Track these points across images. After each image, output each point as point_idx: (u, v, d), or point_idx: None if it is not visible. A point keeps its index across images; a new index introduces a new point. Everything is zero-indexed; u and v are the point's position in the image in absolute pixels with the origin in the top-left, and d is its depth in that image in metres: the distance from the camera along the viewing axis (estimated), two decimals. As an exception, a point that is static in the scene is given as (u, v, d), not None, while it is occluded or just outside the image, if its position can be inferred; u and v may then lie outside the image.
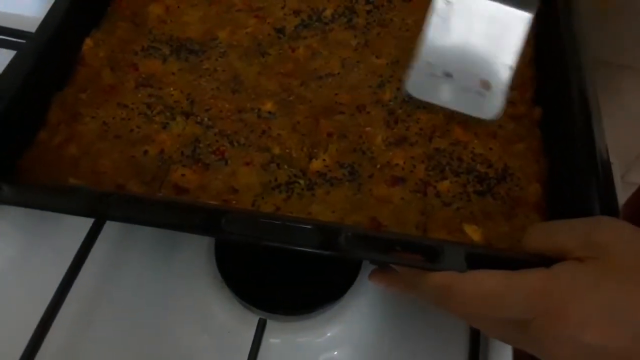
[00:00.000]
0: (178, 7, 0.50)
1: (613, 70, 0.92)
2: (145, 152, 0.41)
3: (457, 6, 0.39)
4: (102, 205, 0.34)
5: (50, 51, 0.43)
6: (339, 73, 0.46)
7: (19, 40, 0.54)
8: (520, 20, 0.39)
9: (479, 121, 0.44)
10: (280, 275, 0.42)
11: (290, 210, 0.38)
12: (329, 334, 0.43)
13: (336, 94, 0.45)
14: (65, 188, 0.36)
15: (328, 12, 0.50)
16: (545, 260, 0.30)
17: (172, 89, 0.45)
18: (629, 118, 0.94)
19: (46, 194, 0.35)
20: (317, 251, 0.33)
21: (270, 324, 0.41)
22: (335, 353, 0.42)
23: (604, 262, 0.28)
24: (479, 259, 0.31)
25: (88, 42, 0.46)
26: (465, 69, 0.40)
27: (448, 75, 0.40)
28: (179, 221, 0.34)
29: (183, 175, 0.40)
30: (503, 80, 0.40)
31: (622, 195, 0.75)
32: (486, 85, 0.40)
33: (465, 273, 0.30)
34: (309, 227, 0.33)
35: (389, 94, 0.45)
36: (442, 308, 0.32)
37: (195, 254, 0.44)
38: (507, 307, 0.29)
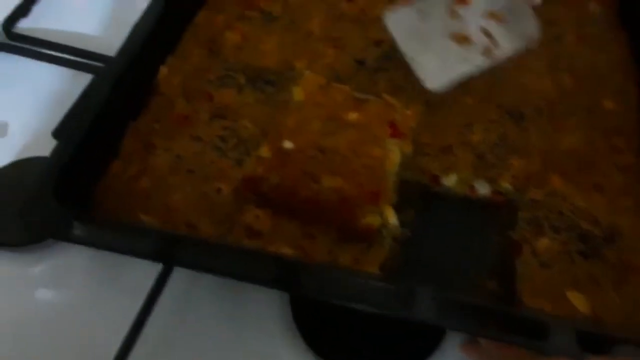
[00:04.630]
0: (254, 34, 0.48)
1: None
2: (219, 190, 0.39)
3: None
4: (170, 251, 0.32)
5: (128, 78, 0.42)
6: (423, 110, 0.43)
7: (92, 63, 0.53)
8: None
9: (579, 170, 0.40)
10: (361, 335, 0.39)
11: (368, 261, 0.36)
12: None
13: (419, 133, 0.42)
14: (135, 230, 0.34)
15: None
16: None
17: (247, 121, 0.43)
18: None
19: (116, 236, 0.34)
20: (394, 314, 0.30)
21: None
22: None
23: None
24: (593, 339, 0.27)
25: (163, 69, 0.45)
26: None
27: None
28: (248, 273, 0.31)
29: (257, 216, 0.37)
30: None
31: None
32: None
33: None
34: (390, 287, 0.30)
35: (479, 135, 0.41)
36: None
37: (269, 301, 0.40)
38: None
